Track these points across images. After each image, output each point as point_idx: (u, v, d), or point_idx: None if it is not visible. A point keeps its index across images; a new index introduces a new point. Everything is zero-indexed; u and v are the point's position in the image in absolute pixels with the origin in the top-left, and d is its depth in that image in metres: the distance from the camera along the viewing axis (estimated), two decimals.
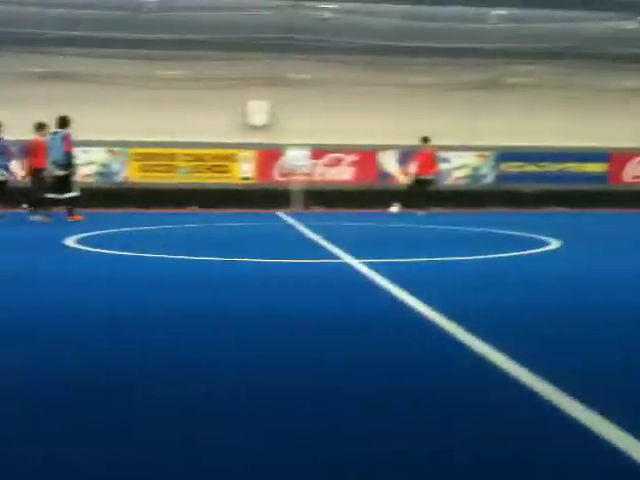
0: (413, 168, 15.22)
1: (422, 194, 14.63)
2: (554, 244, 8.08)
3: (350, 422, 2.14)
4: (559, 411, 2.18)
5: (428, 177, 14.82)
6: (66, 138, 11.08)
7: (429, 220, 12.68)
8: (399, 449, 1.91)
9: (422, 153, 15.04)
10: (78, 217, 11.12)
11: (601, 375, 2.67)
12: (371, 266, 5.60)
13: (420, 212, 14.31)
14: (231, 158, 17.15)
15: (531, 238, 8.92)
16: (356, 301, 4.33)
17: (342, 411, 2.25)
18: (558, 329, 3.53)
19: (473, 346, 3.02)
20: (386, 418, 2.18)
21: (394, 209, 14.60)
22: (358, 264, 5.79)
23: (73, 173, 11.43)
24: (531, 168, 17.88)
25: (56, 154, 11.04)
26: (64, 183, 11.07)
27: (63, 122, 11.15)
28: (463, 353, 2.95)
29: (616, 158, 18.35)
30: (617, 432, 1.99)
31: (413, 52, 14.38)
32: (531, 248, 7.60)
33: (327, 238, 8.29)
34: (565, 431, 2.05)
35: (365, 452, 1.89)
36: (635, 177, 18.58)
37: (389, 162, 17.67)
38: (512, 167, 17.56)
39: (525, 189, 18.14)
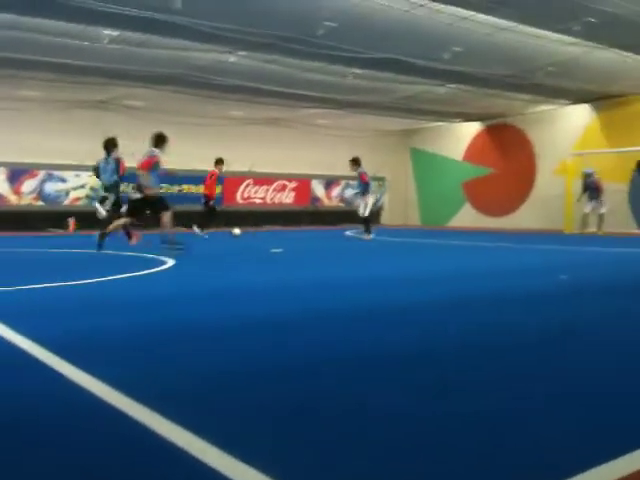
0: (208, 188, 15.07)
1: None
2: (170, 263, 8.34)
3: None
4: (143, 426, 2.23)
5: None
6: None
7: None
8: None
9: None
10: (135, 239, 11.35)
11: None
12: None
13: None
14: None
15: (150, 258, 9.05)
16: None
17: None
18: (160, 347, 3.62)
19: (69, 375, 2.91)
20: None
21: (237, 231, 14.30)
22: None
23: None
24: None
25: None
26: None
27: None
28: (59, 383, 2.82)
29: (229, 181, 19.84)
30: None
31: (22, 65, 13.37)
32: (148, 268, 7.70)
33: None
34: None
35: None
36: (245, 198, 20.33)
37: None
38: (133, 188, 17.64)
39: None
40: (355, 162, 14.71)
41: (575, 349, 3.60)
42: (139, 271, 7.39)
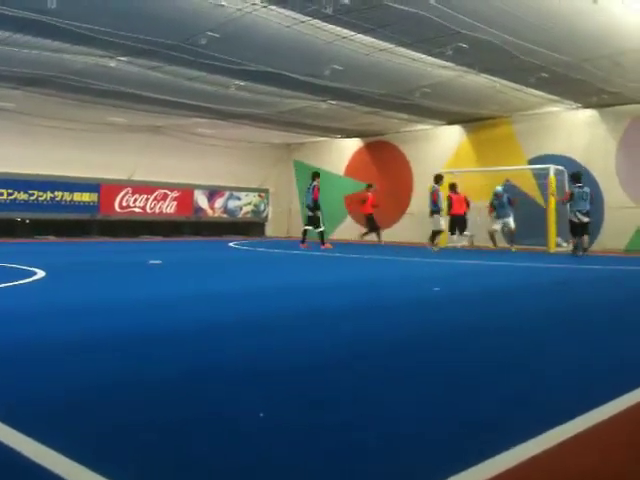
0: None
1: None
2: (40, 274, 7.99)
3: None
4: None
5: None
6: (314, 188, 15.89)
7: None
8: None
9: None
10: (328, 245, 15.91)
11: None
12: None
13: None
14: None
15: (18, 269, 8.64)
16: None
17: None
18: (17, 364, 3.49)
19: None
20: None
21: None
22: None
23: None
24: (21, 196, 17.32)
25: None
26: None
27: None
28: None
29: (106, 189, 19.20)
30: None
31: None
32: (17, 279, 7.34)
33: None
34: None
35: None
36: (123, 207, 19.74)
37: None
38: (1, 195, 16.71)
39: (16, 217, 17.49)
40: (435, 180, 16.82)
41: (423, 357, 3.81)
42: (6, 282, 7.05)
